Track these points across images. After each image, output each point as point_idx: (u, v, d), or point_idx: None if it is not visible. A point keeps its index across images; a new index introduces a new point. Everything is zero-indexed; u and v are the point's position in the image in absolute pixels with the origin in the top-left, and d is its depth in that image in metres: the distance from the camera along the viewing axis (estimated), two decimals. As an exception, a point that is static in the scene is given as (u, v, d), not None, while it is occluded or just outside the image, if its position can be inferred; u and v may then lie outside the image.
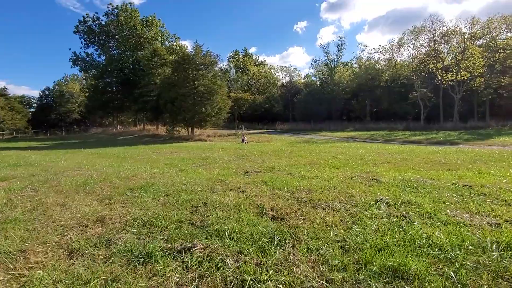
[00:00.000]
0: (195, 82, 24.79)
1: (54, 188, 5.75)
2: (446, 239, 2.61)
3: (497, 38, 33.23)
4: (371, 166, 7.58)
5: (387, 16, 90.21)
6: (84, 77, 41.08)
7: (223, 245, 2.70)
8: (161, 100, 26.03)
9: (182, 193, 4.84)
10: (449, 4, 79.79)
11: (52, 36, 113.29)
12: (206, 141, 24.13)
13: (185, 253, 2.55)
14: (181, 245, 2.70)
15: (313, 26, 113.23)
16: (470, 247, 2.43)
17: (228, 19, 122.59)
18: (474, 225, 2.99)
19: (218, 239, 2.84)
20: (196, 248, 2.60)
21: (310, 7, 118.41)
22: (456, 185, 4.80)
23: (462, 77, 32.64)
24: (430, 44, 36.74)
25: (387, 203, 3.87)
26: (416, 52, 42.47)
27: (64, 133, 53.64)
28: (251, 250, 2.58)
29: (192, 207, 4.04)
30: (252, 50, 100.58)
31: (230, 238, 2.85)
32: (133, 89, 33.22)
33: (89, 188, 5.54)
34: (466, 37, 32.71)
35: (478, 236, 2.67)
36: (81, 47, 39.19)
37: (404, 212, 3.40)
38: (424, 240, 2.60)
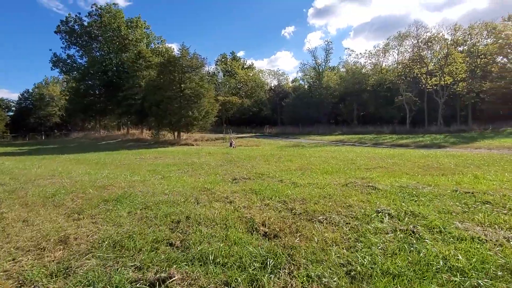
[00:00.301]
0: (182, 85, 24.17)
1: (20, 200, 5.14)
2: (466, 260, 2.25)
3: (478, 44, 34.33)
4: (364, 172, 7.29)
5: (372, 23, 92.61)
6: (65, 80, 39.36)
7: (206, 274, 2.25)
8: (146, 103, 25.22)
9: (163, 205, 4.35)
10: (430, 12, 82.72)
11: (33, 38, 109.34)
12: (193, 145, 23.49)
13: (159, 286, 2.08)
14: (155, 274, 2.24)
15: (301, 31, 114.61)
16: (497, 272, 2.08)
17: (216, 23, 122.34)
18: (491, 240, 2.67)
19: (200, 265, 2.38)
20: (173, 279, 2.14)
21: (297, 12, 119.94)
22: (457, 192, 4.53)
23: (445, 82, 33.45)
24: (415, 50, 37.58)
25: (389, 214, 3.52)
26: (401, 58, 43.45)
27: (43, 138, 51.47)
28: (240, 280, 2.14)
29: (172, 222, 3.56)
30: (240, 54, 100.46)
31: (215, 264, 2.40)
32: (116, 92, 32.17)
33: (59, 200, 4.96)
34: (448, 43, 33.61)
35: (500, 255, 2.33)
36: (62, 48, 37.76)
37: (411, 226, 3.05)
38: (441, 263, 2.24)
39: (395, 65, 45.83)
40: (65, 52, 37.32)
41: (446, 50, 33.93)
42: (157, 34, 42.96)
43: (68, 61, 36.33)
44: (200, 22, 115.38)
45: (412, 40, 37.66)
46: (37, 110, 61.79)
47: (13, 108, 64.58)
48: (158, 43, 42.10)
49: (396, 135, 27.24)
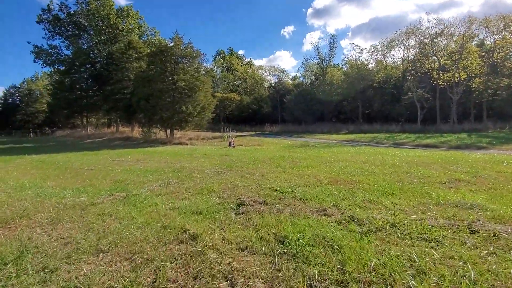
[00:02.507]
0: (174, 77, 21.44)
1: None
2: None
3: (495, 37, 31.93)
4: (447, 191, 4.69)
5: (369, 24, 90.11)
6: (48, 73, 36.31)
7: None
8: (134, 97, 22.46)
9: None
10: (427, 14, 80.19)
11: (17, 29, 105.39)
12: (187, 144, 20.82)
13: None
14: None
15: (300, 30, 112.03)
16: None
17: (214, 23, 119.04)
18: None
19: None
20: None
21: (296, 12, 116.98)
22: None
23: (459, 78, 31.00)
24: (426, 43, 35.16)
25: None
26: (407, 54, 41.12)
27: (31, 136, 48.36)
28: None
29: None
30: (239, 53, 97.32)
31: None
32: (105, 86, 29.37)
33: None
34: (464, 35, 31.13)
35: None
36: (44, 38, 34.77)
37: None
38: None
39: (400, 61, 43.53)
40: (48, 43, 34.35)
41: (461, 43, 31.48)
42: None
43: (52, 52, 33.34)
44: (199, 22, 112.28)
45: (422, 34, 35.27)
46: (25, 107, 58.75)
47: (-1, 104, 61.35)
48: (151, 35, 39.22)
49: (413, 134, 24.71)
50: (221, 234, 2.88)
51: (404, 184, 5.09)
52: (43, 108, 55.58)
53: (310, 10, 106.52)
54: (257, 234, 2.84)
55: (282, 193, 4.80)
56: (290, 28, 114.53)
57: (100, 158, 12.71)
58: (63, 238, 2.82)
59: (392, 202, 3.90)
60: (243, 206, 3.92)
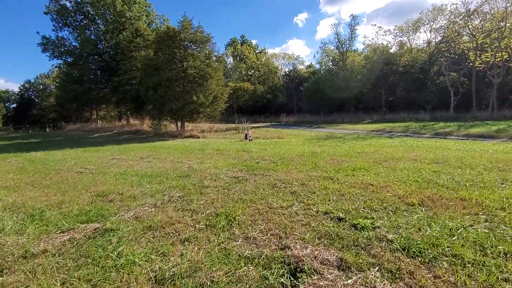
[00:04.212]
0: (184, 64, 19.50)
1: None
2: None
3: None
4: None
5: (386, 8, 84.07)
6: (57, 66, 35.28)
7: None
8: (142, 88, 20.75)
9: None
10: None
11: (35, 24, 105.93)
12: (199, 137, 19.03)
13: None
14: None
15: (313, 18, 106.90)
16: None
17: (226, 11, 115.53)
18: None
19: None
20: None
21: None
22: None
23: (501, 57, 27.45)
24: (457, 21, 31.53)
25: None
26: (434, 36, 37.40)
27: (47, 130, 48.26)
28: None
29: None
30: (252, 42, 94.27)
31: None
32: (113, 77, 27.93)
33: None
34: (508, 9, 27.35)
35: None
36: (53, 30, 33.61)
37: None
38: None
39: (426, 44, 39.78)
40: (56, 34, 33.14)
41: (500, 19, 27.76)
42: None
43: (59, 43, 32.09)
44: (210, 12, 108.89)
45: (450, 14, 31.66)
46: (40, 102, 58.99)
47: (15, 100, 61.81)
48: (160, 23, 37.32)
49: (452, 123, 21.89)
50: None
51: None
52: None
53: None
54: None
55: (356, 228, 2.80)
56: (303, 16, 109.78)
57: (100, 155, 11.09)
58: None
59: None
60: (303, 275, 1.94)
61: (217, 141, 16.26)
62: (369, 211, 3.35)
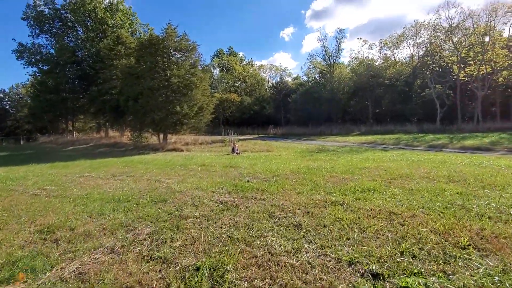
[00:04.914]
0: (167, 72, 18.46)
1: None
2: None
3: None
4: None
5: (368, 24, 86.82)
6: (31, 74, 33.13)
7: None
8: (122, 97, 19.45)
9: None
10: (426, 15, 77.49)
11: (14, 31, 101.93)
12: (182, 151, 17.81)
13: None
14: None
15: (299, 32, 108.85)
16: None
17: (213, 25, 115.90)
18: None
19: None
20: None
21: (296, 14, 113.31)
22: None
23: (485, 71, 28.09)
24: (439, 35, 32.44)
25: None
26: (417, 49, 38.38)
27: (22, 143, 45.26)
28: None
29: None
30: (239, 54, 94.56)
31: None
32: (92, 87, 26.43)
33: None
34: (488, 23, 28.25)
35: None
36: (29, 36, 31.87)
37: None
38: None
39: (409, 58, 40.73)
40: (33, 41, 31.35)
41: (483, 33, 28.64)
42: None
43: (35, 50, 30.31)
44: (197, 24, 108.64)
45: (431, 30, 32.65)
46: (14, 112, 55.86)
47: (-15, 110, 58.17)
48: (144, 32, 36.24)
49: (442, 135, 21.78)
50: None
51: None
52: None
53: (309, 12, 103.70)
54: None
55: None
56: (289, 30, 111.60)
57: (67, 172, 9.75)
58: None
59: None
60: None
61: (202, 154, 15.13)
62: (410, 259, 2.40)
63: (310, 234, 3.03)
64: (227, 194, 5.14)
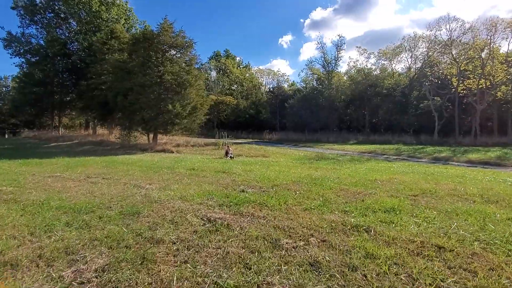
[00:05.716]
0: (160, 69, 17.41)
1: None
2: None
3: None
4: None
5: (364, 36, 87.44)
6: (17, 65, 31.51)
7: None
8: (111, 93, 18.29)
9: None
10: (420, 29, 78.99)
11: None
12: (172, 152, 16.70)
13: None
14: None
15: (297, 40, 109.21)
16: None
17: (213, 30, 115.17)
18: None
19: None
20: None
21: (295, 22, 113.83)
22: None
23: (483, 85, 27.81)
24: (437, 49, 32.25)
25: None
26: (415, 61, 38.20)
27: (6, 137, 43.35)
28: None
29: None
30: (237, 58, 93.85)
31: None
32: (81, 81, 25.17)
33: None
34: (488, 37, 28.08)
35: None
36: (19, 27, 30.49)
37: None
38: None
39: (406, 69, 40.54)
40: (22, 31, 29.92)
41: (482, 47, 28.45)
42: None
43: (24, 40, 28.90)
44: (196, 29, 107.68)
45: (431, 43, 32.47)
46: (1, 105, 53.81)
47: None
48: (141, 28, 35.14)
49: (443, 147, 21.16)
50: None
51: None
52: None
53: (308, 21, 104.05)
54: None
55: None
56: (287, 38, 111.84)
57: (38, 170, 8.60)
58: None
59: None
60: None
61: (193, 157, 14.04)
62: None
63: (337, 284, 2.04)
64: (217, 208, 4.12)
